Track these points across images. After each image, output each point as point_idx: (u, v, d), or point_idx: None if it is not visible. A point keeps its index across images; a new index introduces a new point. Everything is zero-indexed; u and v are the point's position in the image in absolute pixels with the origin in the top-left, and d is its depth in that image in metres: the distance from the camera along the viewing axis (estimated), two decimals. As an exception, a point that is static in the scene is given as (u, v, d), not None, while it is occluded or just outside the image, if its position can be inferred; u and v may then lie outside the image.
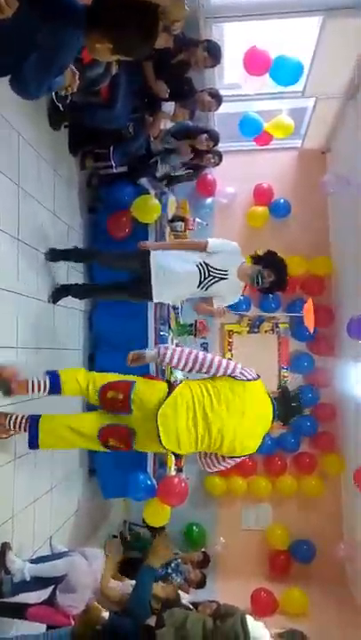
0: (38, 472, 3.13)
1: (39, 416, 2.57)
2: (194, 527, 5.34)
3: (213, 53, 3.71)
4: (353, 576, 5.09)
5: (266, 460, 5.47)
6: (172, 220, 4.64)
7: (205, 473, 5.47)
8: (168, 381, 2.78)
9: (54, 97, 3.06)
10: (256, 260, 3.31)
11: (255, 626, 1.98)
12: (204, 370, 2.58)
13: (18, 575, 2.50)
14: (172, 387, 2.57)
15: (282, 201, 5.65)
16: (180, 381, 2.71)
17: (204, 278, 3.29)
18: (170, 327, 4.34)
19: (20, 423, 2.54)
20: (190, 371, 2.60)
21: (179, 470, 4.30)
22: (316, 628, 4.27)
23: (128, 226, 4.20)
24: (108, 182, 4.29)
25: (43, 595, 2.64)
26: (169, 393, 2.51)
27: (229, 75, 4.83)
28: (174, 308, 4.60)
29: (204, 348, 5.63)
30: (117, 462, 3.94)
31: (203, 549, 4.62)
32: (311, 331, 4.88)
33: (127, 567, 3.14)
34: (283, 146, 5.66)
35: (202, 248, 3.31)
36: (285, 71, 4.06)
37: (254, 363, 5.60)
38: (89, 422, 2.58)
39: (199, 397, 2.51)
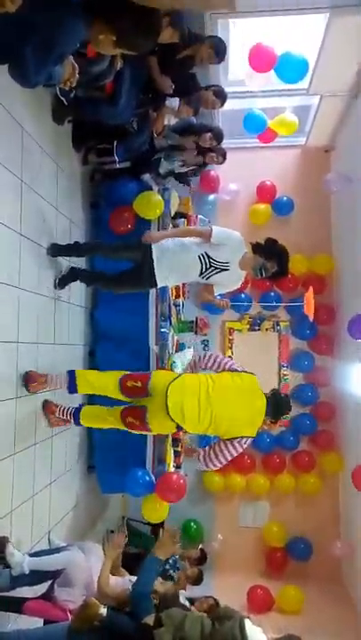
0: (37, 467, 3.13)
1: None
2: (192, 524, 5.36)
3: (218, 50, 3.69)
4: (349, 574, 5.11)
5: (265, 457, 5.48)
6: (175, 217, 4.63)
7: (204, 470, 5.49)
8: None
9: (58, 91, 3.05)
10: (257, 248, 3.29)
11: (254, 630, 1.98)
12: (215, 367, 3.07)
13: (17, 569, 2.50)
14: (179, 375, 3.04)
15: (285, 199, 5.64)
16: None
17: (206, 269, 3.31)
18: (171, 324, 4.33)
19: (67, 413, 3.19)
20: (210, 368, 3.10)
21: (177, 467, 4.31)
22: (312, 626, 4.30)
23: (130, 222, 4.19)
24: (111, 178, 4.28)
25: (40, 589, 2.65)
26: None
27: (234, 71, 4.81)
28: (176, 305, 4.60)
29: (205, 345, 5.64)
30: (116, 458, 3.96)
31: (200, 546, 4.63)
32: (311, 319, 4.87)
33: (125, 562, 3.14)
34: (287, 143, 5.63)
35: (206, 237, 3.30)
36: (291, 68, 4.04)
37: (255, 360, 5.71)
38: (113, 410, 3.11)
39: (203, 382, 2.94)
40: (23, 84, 1.94)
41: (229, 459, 2.95)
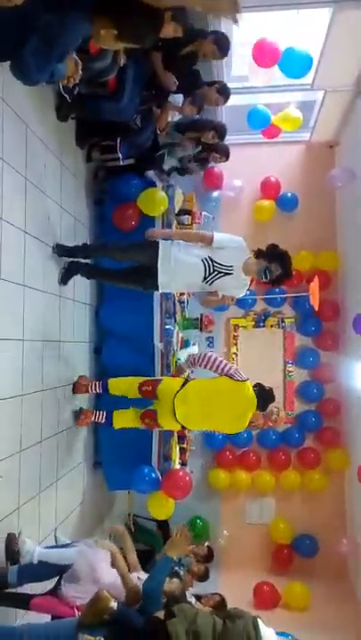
0: (43, 464, 3.14)
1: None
2: (198, 520, 5.36)
3: (222, 45, 3.67)
4: (355, 571, 5.11)
5: (270, 454, 5.48)
6: (179, 214, 4.62)
7: (209, 467, 5.49)
8: (185, 379, 3.58)
9: (61, 88, 3.04)
10: (260, 255, 3.32)
11: (267, 630, 1.99)
12: (214, 369, 3.36)
13: (27, 557, 2.51)
14: (186, 382, 3.47)
15: (289, 195, 5.62)
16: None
17: (209, 273, 3.31)
18: (176, 321, 4.33)
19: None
20: (205, 367, 3.40)
21: (183, 464, 4.31)
22: (318, 623, 4.31)
23: (135, 218, 4.19)
24: (115, 175, 4.27)
25: (47, 585, 2.66)
26: (183, 386, 3.42)
27: (238, 67, 4.79)
28: (180, 302, 4.60)
29: (210, 342, 5.63)
30: (122, 455, 3.96)
31: (207, 544, 4.63)
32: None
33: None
34: (291, 139, 5.61)
35: (207, 241, 3.33)
36: (295, 63, 4.03)
37: (259, 357, 5.69)
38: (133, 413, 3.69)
39: (204, 390, 3.41)
40: (25, 81, 1.93)
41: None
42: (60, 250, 3.37)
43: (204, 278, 3.32)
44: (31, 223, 2.95)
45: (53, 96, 3.30)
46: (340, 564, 5.28)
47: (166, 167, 4.37)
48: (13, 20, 1.70)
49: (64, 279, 3.47)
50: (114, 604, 2.14)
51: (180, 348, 4.53)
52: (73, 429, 3.71)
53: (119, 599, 2.51)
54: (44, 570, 2.59)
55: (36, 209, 3.04)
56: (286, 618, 4.41)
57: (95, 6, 1.78)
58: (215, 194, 5.71)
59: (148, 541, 4.77)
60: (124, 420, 3.72)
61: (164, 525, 4.86)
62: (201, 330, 4.95)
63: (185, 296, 4.80)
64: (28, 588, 2.61)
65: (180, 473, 3.90)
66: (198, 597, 3.74)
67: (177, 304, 4.43)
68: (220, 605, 3.59)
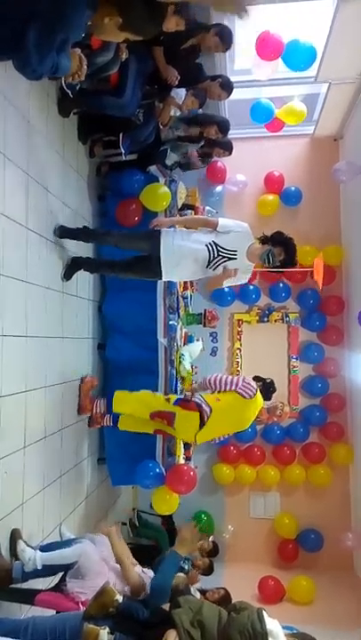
0: (48, 459, 3.15)
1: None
2: (202, 515, 5.37)
3: (225, 38, 3.65)
4: (360, 565, 5.11)
5: (275, 449, 5.47)
6: (182, 209, 4.60)
7: (214, 461, 5.50)
8: (198, 405, 3.56)
9: (63, 84, 3.03)
10: (265, 240, 3.35)
11: (272, 622, 2.00)
12: (226, 389, 3.58)
13: (29, 565, 2.51)
14: (201, 413, 3.51)
15: (293, 189, 5.58)
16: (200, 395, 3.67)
17: (213, 258, 3.32)
18: (179, 316, 4.32)
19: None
20: (218, 391, 3.62)
21: (187, 459, 4.31)
22: (323, 617, 4.31)
23: (137, 214, 4.17)
24: (118, 170, 4.26)
25: (52, 581, 2.67)
26: (201, 418, 3.51)
27: (241, 60, 4.75)
28: (184, 297, 4.59)
29: (214, 337, 5.62)
30: (127, 450, 3.97)
31: (212, 539, 4.64)
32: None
33: (137, 554, 3.15)
34: (295, 133, 5.56)
35: (212, 226, 3.36)
36: (298, 56, 4.00)
37: (263, 352, 5.67)
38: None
39: (219, 418, 3.55)
40: (27, 73, 1.89)
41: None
42: (62, 231, 3.35)
43: (208, 263, 3.33)
44: (33, 219, 2.95)
45: (55, 91, 3.29)
46: (345, 558, 5.28)
47: (169, 162, 4.35)
48: (11, 8, 1.67)
49: (67, 275, 3.47)
50: (119, 598, 2.15)
51: (184, 344, 4.52)
52: (77, 425, 3.72)
53: (124, 592, 2.53)
54: (48, 570, 2.60)
55: (38, 205, 3.04)
56: (291, 612, 4.42)
57: None
58: (218, 188, 5.68)
59: (153, 536, 4.79)
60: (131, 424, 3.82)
61: (168, 520, 4.88)
62: (205, 325, 4.94)
63: (188, 291, 4.79)
64: (33, 583, 2.63)
65: (185, 468, 3.90)
66: (203, 592, 3.76)
67: (180, 299, 4.42)
68: (225, 599, 3.61)
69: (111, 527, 2.84)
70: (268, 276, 5.46)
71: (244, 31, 4.29)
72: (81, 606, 2.46)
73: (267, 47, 4.01)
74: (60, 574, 2.67)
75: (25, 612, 2.65)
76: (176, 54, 3.59)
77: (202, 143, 4.43)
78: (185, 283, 4.61)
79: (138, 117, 3.71)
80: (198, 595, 3.49)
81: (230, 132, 4.34)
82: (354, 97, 4.79)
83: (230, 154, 4.57)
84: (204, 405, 3.55)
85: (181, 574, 3.21)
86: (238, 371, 5.57)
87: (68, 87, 3.04)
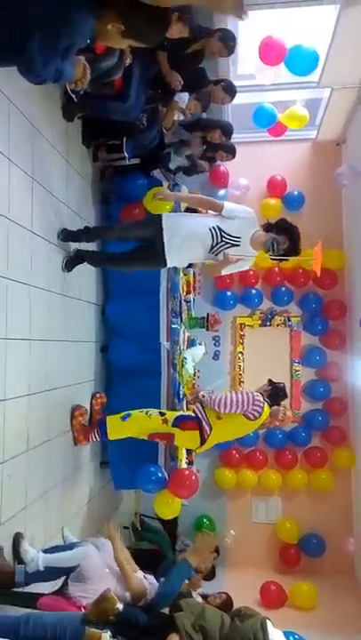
0: (51, 463, 3.15)
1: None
2: (204, 519, 5.36)
3: (228, 43, 3.67)
4: (363, 570, 5.09)
5: (277, 453, 5.46)
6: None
7: (216, 466, 5.49)
8: (197, 421, 3.51)
9: (68, 90, 3.04)
10: (269, 228, 3.31)
11: (274, 632, 1.99)
12: (232, 411, 3.44)
13: (31, 566, 2.52)
14: (201, 430, 3.48)
15: (295, 193, 5.59)
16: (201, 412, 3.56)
17: (216, 243, 3.27)
18: (182, 320, 4.33)
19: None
20: (224, 412, 3.45)
21: (189, 463, 4.31)
22: (325, 622, 4.29)
23: (141, 218, 4.18)
24: (121, 174, 4.27)
25: (54, 585, 2.66)
26: (201, 436, 3.49)
27: (244, 65, 4.77)
28: (186, 301, 4.59)
29: (216, 341, 5.62)
30: (129, 454, 3.96)
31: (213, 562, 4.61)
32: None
33: (139, 559, 3.15)
34: (297, 137, 5.58)
35: (218, 209, 3.32)
36: (301, 61, 4.00)
37: (266, 356, 5.66)
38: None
39: (222, 434, 3.58)
40: (31, 77, 1.90)
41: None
42: (65, 234, 3.36)
43: (211, 248, 3.29)
44: (37, 222, 2.96)
45: (59, 96, 3.30)
46: (347, 563, 5.26)
47: (172, 166, 4.37)
48: (18, 12, 1.68)
49: (68, 266, 3.44)
50: (119, 606, 2.14)
51: (187, 348, 4.52)
52: (80, 428, 3.71)
53: (125, 598, 2.52)
54: (50, 574, 2.60)
55: (42, 208, 3.05)
56: (293, 617, 4.40)
57: (104, 1, 1.76)
58: (221, 192, 5.68)
59: (156, 541, 4.78)
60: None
61: (171, 525, 4.86)
62: (207, 329, 4.94)
63: (191, 295, 4.79)
64: (36, 587, 2.62)
65: (187, 472, 3.89)
66: (205, 596, 3.75)
67: (183, 303, 4.42)
68: (226, 604, 3.59)
69: (115, 531, 2.83)
70: (271, 278, 5.47)
71: (248, 36, 4.31)
72: (83, 610, 2.45)
73: (270, 52, 4.02)
74: (63, 578, 2.66)
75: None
76: (180, 59, 3.61)
77: (204, 147, 4.44)
78: (188, 286, 4.60)
79: (141, 122, 3.73)
80: (200, 599, 3.48)
81: (233, 136, 4.36)
82: (356, 102, 4.80)
83: (234, 157, 4.58)
84: (204, 423, 3.48)
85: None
86: (240, 374, 5.57)
87: (72, 92, 3.06)
